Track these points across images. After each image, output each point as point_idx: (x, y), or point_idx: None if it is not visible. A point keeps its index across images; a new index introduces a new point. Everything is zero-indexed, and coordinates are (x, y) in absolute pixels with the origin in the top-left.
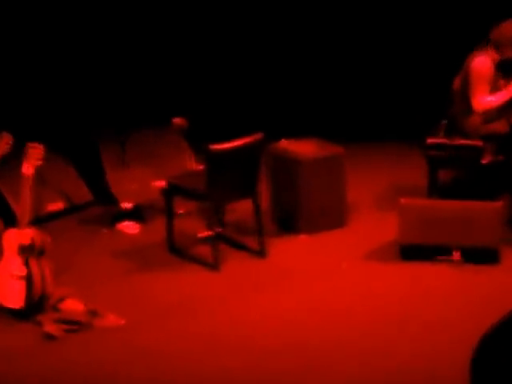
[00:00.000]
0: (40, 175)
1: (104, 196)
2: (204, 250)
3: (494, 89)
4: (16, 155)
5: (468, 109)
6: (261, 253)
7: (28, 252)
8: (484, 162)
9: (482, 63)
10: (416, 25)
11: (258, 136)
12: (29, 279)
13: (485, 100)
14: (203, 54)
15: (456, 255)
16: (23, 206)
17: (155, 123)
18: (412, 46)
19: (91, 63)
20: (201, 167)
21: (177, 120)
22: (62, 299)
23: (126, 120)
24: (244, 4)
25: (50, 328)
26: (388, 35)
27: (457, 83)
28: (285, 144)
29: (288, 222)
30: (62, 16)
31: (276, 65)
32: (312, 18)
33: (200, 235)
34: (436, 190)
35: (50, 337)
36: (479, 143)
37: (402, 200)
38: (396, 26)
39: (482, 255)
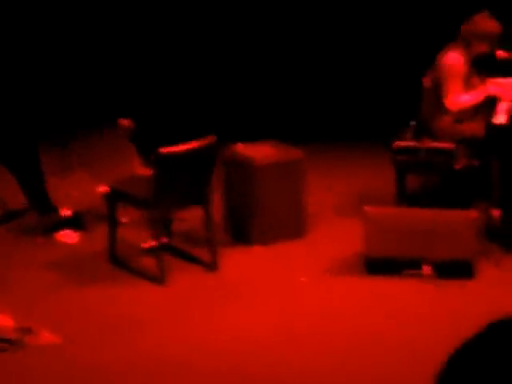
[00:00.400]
0: None
1: (42, 203)
2: (149, 262)
3: (468, 86)
4: None
5: (439, 109)
6: (211, 265)
7: None
8: (457, 167)
9: (454, 59)
10: (382, 19)
11: (210, 139)
12: None
13: (459, 99)
14: (152, 53)
15: (427, 269)
16: None
17: (100, 125)
18: (378, 41)
19: (31, 62)
20: (148, 172)
21: (123, 121)
22: None
23: (69, 121)
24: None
25: None
26: (351, 29)
27: (427, 81)
28: (240, 148)
29: (242, 232)
30: None
31: (231, 64)
32: (269, 18)
33: (144, 246)
34: (405, 197)
35: None
36: (452, 146)
37: (368, 208)
38: (360, 19)
39: (455, 269)
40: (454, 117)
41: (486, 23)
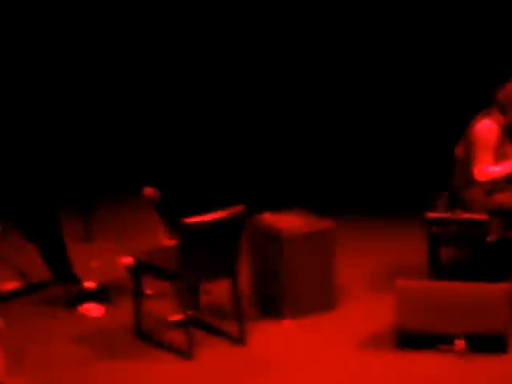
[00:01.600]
0: None
1: (65, 274)
2: (176, 336)
3: (501, 155)
4: None
5: (472, 179)
6: (240, 340)
7: None
8: (490, 239)
9: (487, 128)
10: (414, 87)
11: (238, 209)
12: None
13: (488, 169)
14: (175, 121)
15: (460, 343)
16: None
17: (124, 193)
18: (410, 110)
19: (50, 128)
20: (174, 243)
21: (148, 190)
22: None
23: (92, 189)
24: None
25: None
26: (382, 98)
27: (460, 151)
28: (268, 218)
29: (271, 305)
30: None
31: (258, 132)
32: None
33: (171, 319)
34: (437, 270)
35: None
36: (485, 218)
37: (399, 281)
38: (391, 87)
39: (489, 343)
40: (483, 187)
41: None
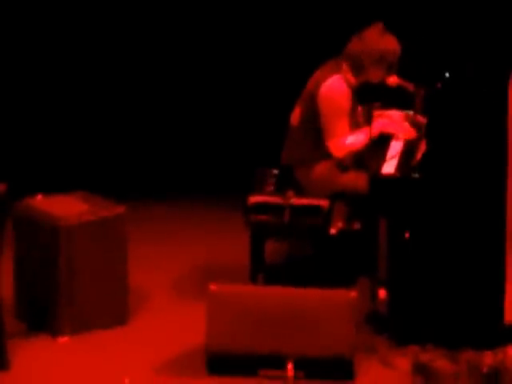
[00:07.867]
0: None
1: None
2: None
3: (353, 119)
4: None
5: (311, 152)
6: (1, 364)
7: None
8: (333, 231)
9: (337, 90)
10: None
11: None
12: None
13: (346, 141)
14: None
15: (290, 368)
16: None
17: None
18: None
19: None
20: None
21: None
22: None
23: None
24: None
25: None
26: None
27: (295, 116)
28: (41, 201)
29: (42, 317)
30: None
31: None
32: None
33: None
34: (262, 270)
35: None
36: (326, 204)
37: (212, 285)
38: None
39: (328, 368)
40: (334, 166)
41: (383, 41)
